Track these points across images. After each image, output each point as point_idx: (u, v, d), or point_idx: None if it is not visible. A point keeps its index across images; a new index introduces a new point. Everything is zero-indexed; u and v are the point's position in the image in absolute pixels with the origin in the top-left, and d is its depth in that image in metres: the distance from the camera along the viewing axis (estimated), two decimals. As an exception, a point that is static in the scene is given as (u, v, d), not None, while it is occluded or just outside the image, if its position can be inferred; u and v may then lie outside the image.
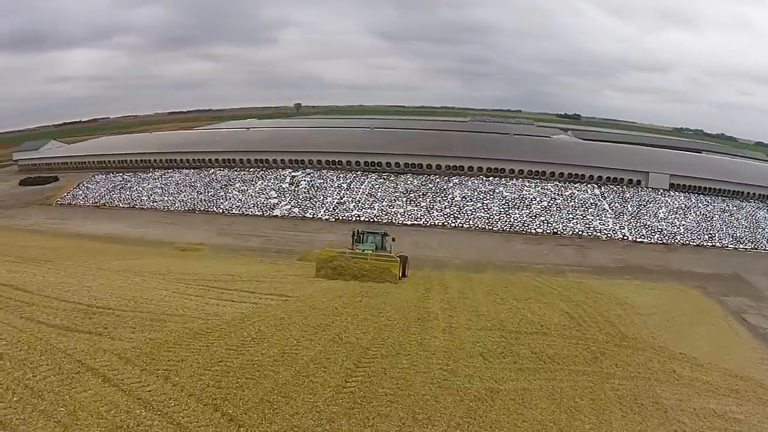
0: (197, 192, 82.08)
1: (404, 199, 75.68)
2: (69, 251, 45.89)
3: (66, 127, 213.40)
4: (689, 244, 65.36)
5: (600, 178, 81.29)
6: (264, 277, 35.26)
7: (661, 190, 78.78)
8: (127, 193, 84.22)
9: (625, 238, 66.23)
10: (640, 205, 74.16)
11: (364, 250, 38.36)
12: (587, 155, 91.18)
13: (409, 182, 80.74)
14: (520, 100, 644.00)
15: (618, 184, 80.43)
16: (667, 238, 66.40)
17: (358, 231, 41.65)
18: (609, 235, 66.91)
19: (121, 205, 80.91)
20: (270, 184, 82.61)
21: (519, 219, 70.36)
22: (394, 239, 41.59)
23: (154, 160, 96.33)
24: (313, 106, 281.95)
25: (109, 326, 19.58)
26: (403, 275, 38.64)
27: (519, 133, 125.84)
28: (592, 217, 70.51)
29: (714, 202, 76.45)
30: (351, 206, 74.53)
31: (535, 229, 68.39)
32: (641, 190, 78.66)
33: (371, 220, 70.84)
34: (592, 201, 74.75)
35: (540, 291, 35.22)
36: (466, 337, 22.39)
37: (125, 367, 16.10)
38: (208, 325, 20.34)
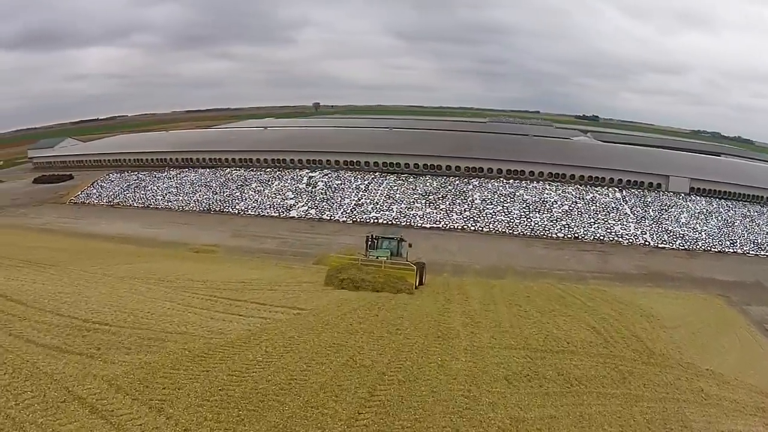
0: (213, 192, 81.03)
1: (423, 202, 74.14)
2: (77, 253, 44.83)
3: (84, 125, 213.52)
4: (711, 250, 63.52)
5: (620, 181, 79.60)
6: (277, 284, 33.80)
7: (682, 194, 77.05)
8: (142, 192, 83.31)
9: (647, 243, 64.51)
10: (662, 209, 72.40)
11: (378, 257, 36.03)
12: (607, 158, 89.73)
13: (428, 184, 79.22)
14: (538, 101, 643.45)
15: (639, 188, 78.69)
16: (688, 243, 64.60)
17: (372, 236, 39.62)
18: (630, 240, 65.16)
19: (135, 204, 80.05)
20: (287, 184, 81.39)
21: (540, 223, 68.71)
22: (410, 245, 39.10)
23: (170, 159, 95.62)
24: (332, 106, 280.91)
25: (102, 346, 18.06)
26: (420, 283, 36.42)
27: (538, 134, 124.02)
28: (613, 222, 68.78)
29: (735, 207, 74.52)
30: (369, 208, 73.06)
31: (556, 233, 66.70)
32: (662, 194, 76.83)
33: (389, 222, 69.47)
34: (613, 205, 73.03)
35: (563, 302, 33.81)
36: (490, 357, 20.75)
37: (116, 395, 14.59)
38: (211, 346, 18.72)
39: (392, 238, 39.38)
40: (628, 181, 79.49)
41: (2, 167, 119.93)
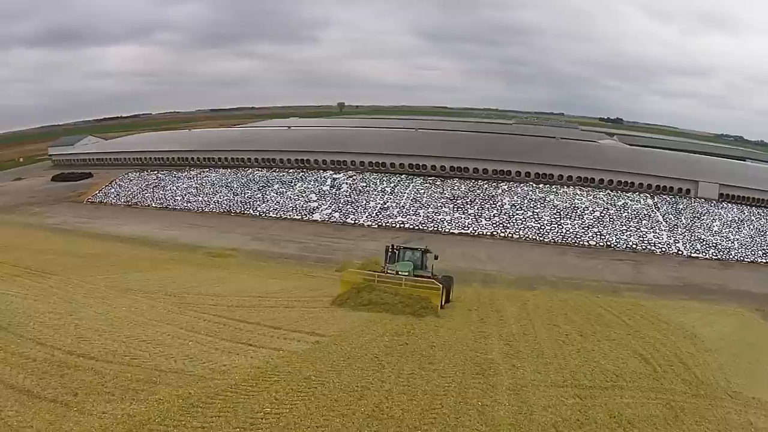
0: (233, 193, 78.92)
1: (451, 206, 71.46)
2: (85, 258, 42.47)
3: (107, 123, 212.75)
4: (743, 260, 60.85)
5: (650, 186, 76.98)
6: (296, 299, 31.16)
7: (713, 201, 74.21)
8: (161, 192, 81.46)
9: (680, 252, 61.83)
10: (694, 217, 69.56)
11: (398, 272, 30.98)
12: (636, 162, 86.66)
13: (456, 187, 76.49)
14: (561, 103, 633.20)
15: (668, 194, 76.17)
16: (721, 253, 61.91)
17: (393, 246, 34.33)
18: (663, 249, 62.52)
19: (153, 204, 78.28)
20: (310, 186, 79.13)
21: (571, 230, 66.10)
22: (437, 257, 34.03)
23: (191, 158, 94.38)
24: (356, 106, 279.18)
25: (81, 391, 15.10)
26: (447, 300, 32.42)
27: (566, 137, 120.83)
28: (646, 230, 66.14)
29: (767, 215, 71.34)
30: (395, 212, 70.47)
31: (587, 241, 64.10)
32: (694, 201, 74.02)
33: (416, 227, 67.04)
34: (645, 212, 70.37)
35: (603, 321, 31.09)
36: (535, 399, 17.93)
37: (87, 463, 11.82)
38: (210, 391, 15.62)
39: (416, 249, 34.34)
40: (657, 186, 77.07)
41: (22, 164, 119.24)
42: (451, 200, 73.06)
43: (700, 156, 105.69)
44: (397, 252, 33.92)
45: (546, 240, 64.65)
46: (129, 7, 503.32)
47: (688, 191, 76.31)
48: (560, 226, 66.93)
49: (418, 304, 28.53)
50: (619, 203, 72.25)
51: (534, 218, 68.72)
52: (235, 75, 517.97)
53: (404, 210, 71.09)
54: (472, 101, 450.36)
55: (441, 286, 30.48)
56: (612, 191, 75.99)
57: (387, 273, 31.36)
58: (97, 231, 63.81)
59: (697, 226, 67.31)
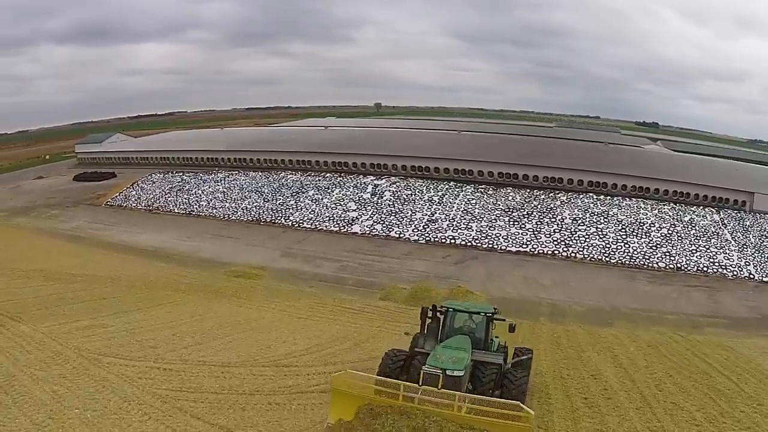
0: (264, 199, 71.99)
1: (506, 219, 63.53)
2: (79, 283, 36.58)
3: (141, 120, 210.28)
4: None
5: (705, 197, 69.07)
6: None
7: None
8: (185, 196, 74.99)
9: (752, 276, 54.06)
10: (762, 235, 61.39)
11: (446, 371, 16.34)
12: (690, 170, 78.64)
13: (510, 197, 68.47)
14: (597, 106, 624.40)
15: (725, 206, 68.35)
16: (791, 277, 54.46)
17: (434, 307, 20.41)
18: (735, 272, 54.67)
19: (176, 210, 71.91)
20: (349, 193, 71.59)
21: (639, 249, 58.04)
22: (513, 328, 20.72)
23: (220, 159, 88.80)
24: (393, 107, 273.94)
25: None
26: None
27: (612, 142, 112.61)
28: (716, 250, 58.11)
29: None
30: (444, 225, 62.68)
31: (656, 262, 56.07)
32: (760, 218, 65.48)
33: (468, 243, 59.45)
34: (713, 229, 62.06)
35: (715, 387, 24.49)
36: None
37: None
38: None
39: (478, 313, 20.26)
40: (713, 197, 69.22)
41: (48, 161, 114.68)
42: (505, 212, 65.20)
43: (751, 165, 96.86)
44: (441, 317, 20.20)
45: (612, 261, 56.92)
46: (160, 5, 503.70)
47: (743, 203, 68.57)
48: (627, 245, 59.07)
49: None
50: (686, 219, 64.09)
51: (598, 235, 60.91)
52: (271, 74, 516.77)
53: (454, 223, 63.41)
54: (507, 103, 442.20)
55: (531, 413, 14.78)
56: (676, 204, 68.10)
57: (423, 371, 16.52)
58: (110, 240, 58.65)
59: (765, 245, 59.57)
